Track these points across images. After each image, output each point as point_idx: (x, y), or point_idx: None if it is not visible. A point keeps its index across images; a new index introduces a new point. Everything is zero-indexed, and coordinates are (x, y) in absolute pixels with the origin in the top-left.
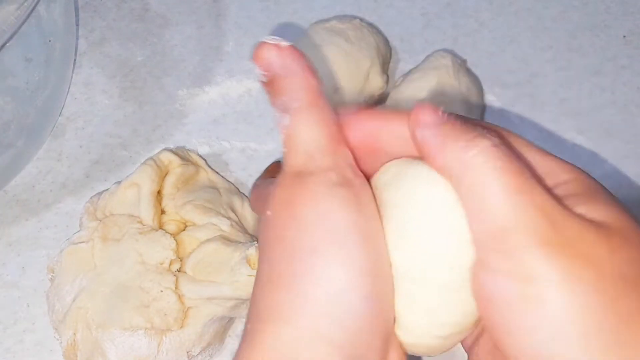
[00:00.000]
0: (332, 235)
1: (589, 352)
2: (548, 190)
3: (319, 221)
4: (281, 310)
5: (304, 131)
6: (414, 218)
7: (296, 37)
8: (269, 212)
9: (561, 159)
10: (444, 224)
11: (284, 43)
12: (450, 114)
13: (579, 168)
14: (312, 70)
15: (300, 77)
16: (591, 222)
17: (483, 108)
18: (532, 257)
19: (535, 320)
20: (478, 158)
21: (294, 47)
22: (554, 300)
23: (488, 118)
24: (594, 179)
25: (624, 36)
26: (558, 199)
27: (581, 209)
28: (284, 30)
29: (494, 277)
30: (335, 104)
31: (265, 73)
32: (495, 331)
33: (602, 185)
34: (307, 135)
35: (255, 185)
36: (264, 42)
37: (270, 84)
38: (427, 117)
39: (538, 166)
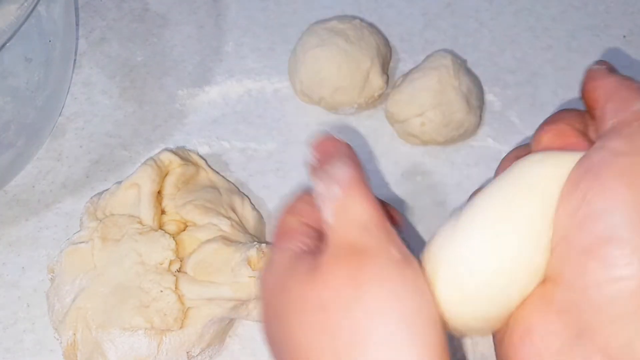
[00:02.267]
0: (404, 322)
1: None
2: None
3: (389, 305)
4: None
5: (359, 203)
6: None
7: (296, 37)
8: (315, 288)
9: None
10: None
11: (337, 137)
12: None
13: None
14: (357, 160)
15: (349, 156)
16: None
17: (483, 108)
18: None
19: None
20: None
21: (342, 141)
22: None
23: (488, 118)
24: None
25: (624, 36)
26: None
27: None
28: (284, 30)
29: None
30: (335, 105)
31: (318, 151)
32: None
33: None
34: (361, 207)
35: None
36: (323, 134)
37: (320, 160)
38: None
39: None
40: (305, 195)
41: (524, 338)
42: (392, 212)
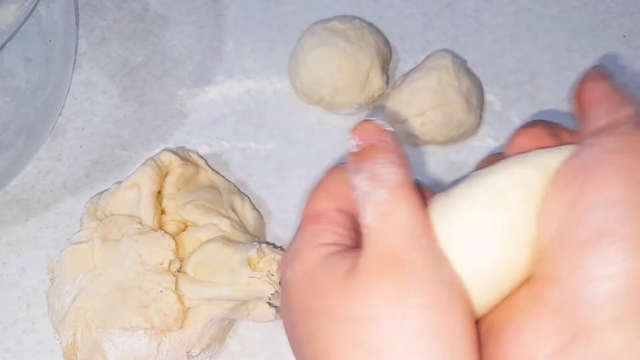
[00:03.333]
0: (443, 350)
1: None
2: None
3: (428, 329)
4: None
5: (407, 209)
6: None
7: (296, 37)
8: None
9: None
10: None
11: (384, 124)
12: None
13: None
14: (405, 157)
15: (397, 151)
16: None
17: (483, 108)
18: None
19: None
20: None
21: (390, 131)
22: None
23: (488, 118)
24: None
25: (624, 36)
26: None
27: None
28: (284, 30)
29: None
30: (335, 105)
31: (360, 143)
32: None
33: None
34: (410, 214)
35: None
36: (368, 120)
37: (360, 152)
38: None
39: None
40: (339, 174)
41: (513, 340)
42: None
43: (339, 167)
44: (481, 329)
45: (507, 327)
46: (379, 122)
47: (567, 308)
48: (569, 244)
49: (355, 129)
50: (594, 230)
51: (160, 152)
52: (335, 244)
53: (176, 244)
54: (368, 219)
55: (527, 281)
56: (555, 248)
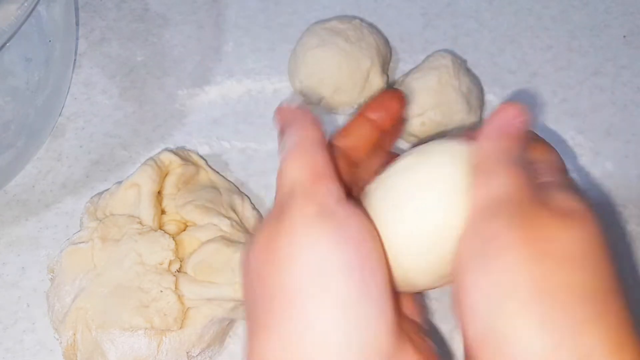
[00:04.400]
0: (310, 273)
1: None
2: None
3: (295, 258)
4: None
5: (290, 168)
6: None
7: (296, 37)
8: (250, 251)
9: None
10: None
11: (297, 104)
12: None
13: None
14: (313, 122)
15: (297, 125)
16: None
17: (483, 108)
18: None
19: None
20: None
21: (302, 106)
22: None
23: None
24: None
25: (624, 36)
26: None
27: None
28: (284, 30)
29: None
30: (335, 105)
31: (279, 124)
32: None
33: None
34: (292, 172)
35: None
36: (284, 105)
37: (279, 132)
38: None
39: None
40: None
41: None
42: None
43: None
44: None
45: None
46: (293, 105)
47: None
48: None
49: (276, 111)
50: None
51: (160, 152)
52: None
53: (176, 244)
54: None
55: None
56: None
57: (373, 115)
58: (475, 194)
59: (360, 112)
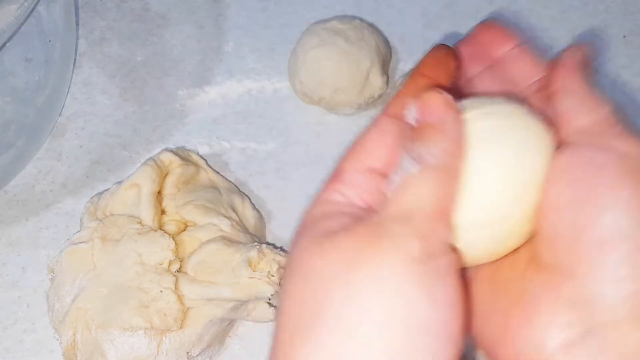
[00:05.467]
0: (377, 317)
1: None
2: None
3: (376, 296)
4: None
5: (423, 189)
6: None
7: (296, 37)
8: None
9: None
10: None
11: (453, 101)
12: None
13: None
14: (463, 138)
15: (450, 138)
16: None
17: None
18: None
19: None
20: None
21: (459, 111)
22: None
23: None
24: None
25: (624, 36)
26: None
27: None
28: (284, 30)
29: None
30: (335, 105)
31: (420, 117)
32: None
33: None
34: (422, 194)
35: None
36: (436, 91)
37: (417, 130)
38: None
39: None
40: (377, 134)
41: (524, 325)
42: None
43: (379, 129)
44: (483, 289)
45: (518, 310)
46: (446, 96)
47: (583, 304)
48: (587, 243)
49: (420, 101)
50: (610, 233)
51: (160, 152)
52: (339, 203)
53: (176, 244)
54: (387, 190)
55: (538, 263)
56: (572, 243)
57: (432, 74)
58: (582, 118)
59: (417, 72)
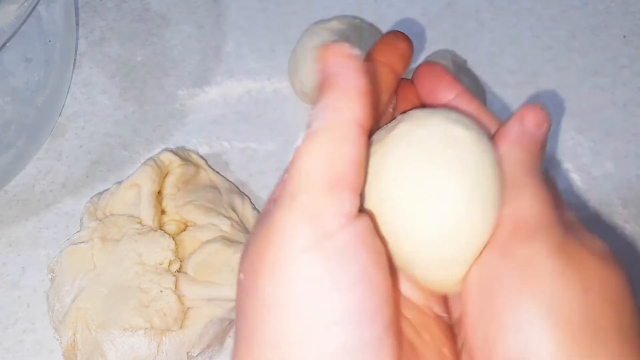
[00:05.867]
0: (296, 322)
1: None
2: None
3: (279, 301)
4: None
5: (303, 161)
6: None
7: (296, 37)
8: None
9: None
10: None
11: (354, 52)
12: None
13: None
14: (359, 89)
15: (335, 93)
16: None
17: None
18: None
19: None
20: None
21: (357, 62)
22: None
23: None
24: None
25: (624, 36)
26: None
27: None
28: (284, 30)
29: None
30: None
31: (319, 72)
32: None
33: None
34: (305, 167)
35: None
36: (338, 44)
37: (321, 83)
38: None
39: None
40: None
41: None
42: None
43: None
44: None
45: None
46: (345, 47)
47: None
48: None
49: (320, 55)
50: (516, 353)
51: (160, 152)
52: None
53: (176, 244)
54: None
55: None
56: (487, 357)
57: (385, 59)
58: (504, 209)
59: (372, 58)
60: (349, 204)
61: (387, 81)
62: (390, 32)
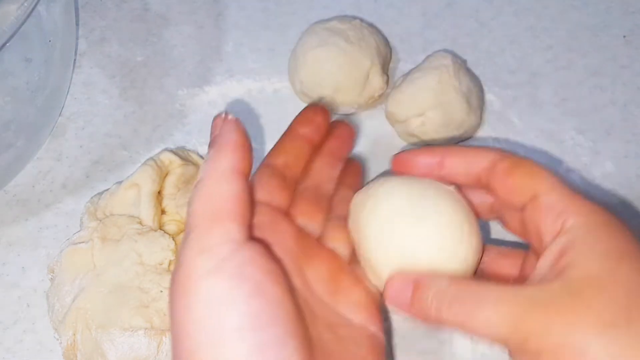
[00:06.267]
0: (204, 338)
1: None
2: None
3: (190, 322)
4: None
5: (192, 206)
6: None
7: (296, 38)
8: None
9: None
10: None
11: (230, 117)
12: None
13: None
14: (233, 145)
15: (215, 149)
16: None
17: (483, 108)
18: None
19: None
20: None
21: (232, 124)
22: None
23: (488, 118)
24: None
25: (624, 36)
26: None
27: None
28: (284, 30)
29: None
30: (335, 105)
31: (211, 138)
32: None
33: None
34: (192, 210)
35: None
36: (220, 115)
37: (210, 143)
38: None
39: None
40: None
41: None
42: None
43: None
44: None
45: None
46: (225, 115)
47: None
48: None
49: (213, 120)
50: None
51: (160, 152)
52: None
53: (176, 244)
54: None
55: None
56: None
57: (302, 130)
58: None
59: (290, 128)
60: (235, 232)
61: (302, 150)
62: (310, 105)
